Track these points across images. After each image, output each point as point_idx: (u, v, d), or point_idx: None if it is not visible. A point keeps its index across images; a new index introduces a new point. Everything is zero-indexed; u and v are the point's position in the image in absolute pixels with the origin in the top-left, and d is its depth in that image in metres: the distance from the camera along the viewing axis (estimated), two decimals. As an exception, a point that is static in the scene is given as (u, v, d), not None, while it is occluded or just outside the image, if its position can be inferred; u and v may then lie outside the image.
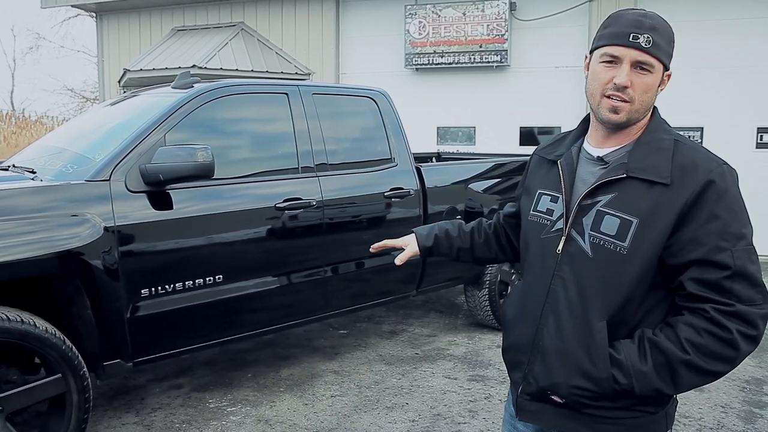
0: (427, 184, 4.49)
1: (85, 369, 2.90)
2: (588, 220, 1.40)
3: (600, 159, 1.46)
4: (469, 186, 4.85)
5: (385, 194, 4.21)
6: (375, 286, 4.29)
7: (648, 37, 1.35)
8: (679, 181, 1.33)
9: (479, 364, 4.49)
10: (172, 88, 3.69)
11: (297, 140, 3.80)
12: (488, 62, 9.17)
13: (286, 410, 3.69)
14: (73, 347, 2.86)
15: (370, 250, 1.91)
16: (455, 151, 8.44)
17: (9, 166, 3.61)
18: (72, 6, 12.02)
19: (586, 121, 1.55)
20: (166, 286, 3.14)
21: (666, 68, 1.40)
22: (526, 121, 9.31)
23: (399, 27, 9.63)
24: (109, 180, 3.03)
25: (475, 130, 9.72)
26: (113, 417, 3.62)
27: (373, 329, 5.29)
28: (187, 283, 3.21)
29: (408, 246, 1.85)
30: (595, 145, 1.48)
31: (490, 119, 9.50)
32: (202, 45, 10.11)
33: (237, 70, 9.36)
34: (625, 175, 1.37)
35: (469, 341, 5.01)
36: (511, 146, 9.25)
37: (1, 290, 2.82)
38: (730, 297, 1.31)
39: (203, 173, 3.06)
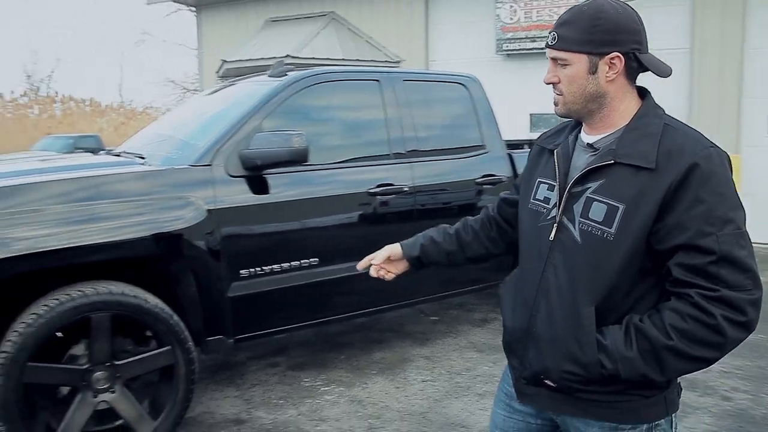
0: (519, 171, 4.42)
1: (191, 343, 3.07)
2: (578, 207, 1.41)
3: (590, 146, 1.47)
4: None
5: (477, 181, 4.19)
6: (466, 273, 4.29)
7: (554, 34, 1.43)
8: (664, 166, 1.32)
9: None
10: (268, 76, 3.82)
11: (388, 126, 3.85)
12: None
13: (378, 392, 3.77)
14: (180, 322, 3.04)
15: (357, 268, 1.90)
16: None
17: (120, 153, 3.85)
18: (174, 1, 12.59)
19: None
20: (265, 267, 3.27)
21: (596, 54, 1.38)
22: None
23: (489, 12, 9.50)
24: (210, 165, 3.18)
25: (569, 116, 9.46)
26: (216, 390, 3.82)
27: (464, 317, 5.29)
28: (283, 264, 3.33)
29: (394, 259, 1.85)
30: (588, 133, 1.49)
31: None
32: (294, 35, 10.36)
33: (328, 58, 9.54)
34: (612, 161, 1.37)
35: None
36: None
37: (116, 268, 3.03)
38: (716, 282, 1.28)
39: (298, 158, 3.16)
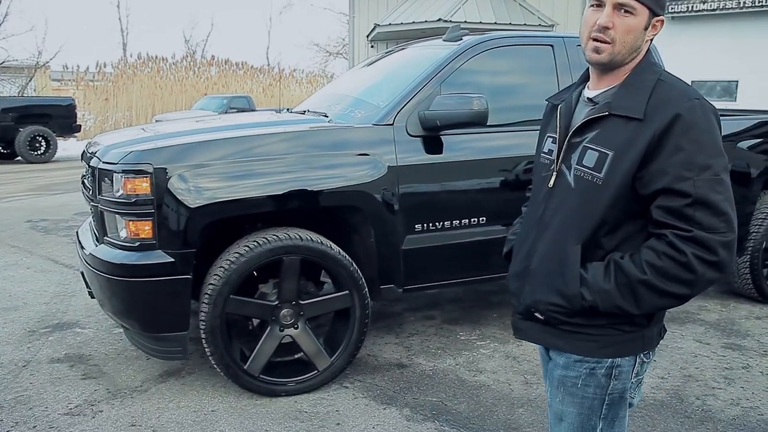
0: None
1: (367, 289, 3.33)
2: (575, 156, 1.53)
3: (590, 100, 1.57)
4: (737, 145, 4.51)
5: (645, 148, 4.10)
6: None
7: None
8: (651, 116, 1.42)
9: (735, 332, 4.25)
10: (444, 41, 3.93)
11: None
12: (762, 6, 8.19)
13: (532, 351, 3.86)
14: (358, 269, 3.29)
15: None
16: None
17: (305, 111, 4.15)
18: (328, -34, 12.97)
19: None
20: (437, 223, 3.45)
21: (654, 13, 1.48)
22: (804, 74, 8.22)
23: (655, -28, 8.98)
24: (392, 125, 3.37)
25: (737, 85, 8.82)
26: (377, 336, 4.09)
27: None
28: (454, 221, 3.49)
29: None
30: (591, 89, 1.59)
31: (758, 72, 8.53)
32: (447, -1, 10.37)
33: (481, 23, 9.51)
34: (607, 113, 1.48)
35: (722, 308, 4.74)
36: (782, 103, 8.26)
37: (302, 217, 3.32)
38: (690, 223, 1.39)
39: (478, 120, 3.27)
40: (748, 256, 4.69)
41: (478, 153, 3.55)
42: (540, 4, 10.03)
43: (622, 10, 1.46)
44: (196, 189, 2.98)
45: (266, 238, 3.11)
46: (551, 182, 1.58)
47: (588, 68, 1.66)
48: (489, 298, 4.84)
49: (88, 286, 3.53)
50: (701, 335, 4.20)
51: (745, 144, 4.59)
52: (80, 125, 17.17)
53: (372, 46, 11.72)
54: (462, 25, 9.27)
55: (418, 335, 4.14)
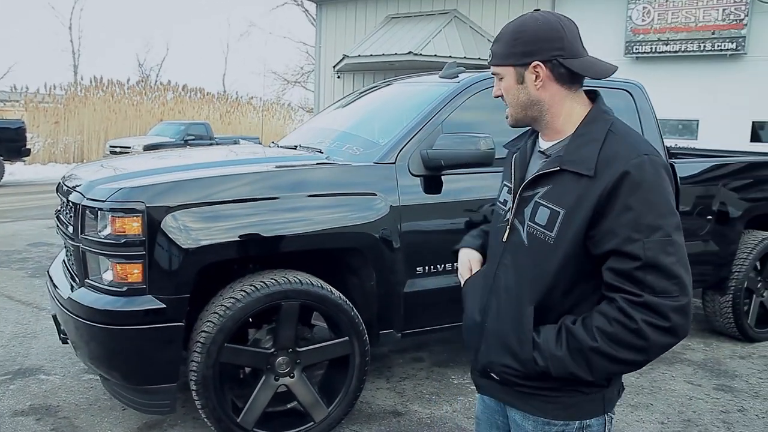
0: (681, 182, 4.28)
1: (367, 335, 3.17)
2: (528, 211, 1.48)
3: (543, 153, 1.53)
4: (721, 185, 4.56)
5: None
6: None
7: (490, 53, 1.54)
8: (600, 173, 1.37)
9: (723, 373, 4.25)
10: (440, 77, 3.86)
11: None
12: (721, 50, 8.50)
13: (530, 396, 3.76)
14: (358, 314, 3.13)
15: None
16: (674, 145, 7.96)
17: (296, 146, 3.99)
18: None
19: None
20: (438, 266, 3.33)
21: (520, 65, 1.46)
22: (760, 116, 8.51)
23: (620, 13, 9.24)
24: (394, 163, 3.26)
25: (698, 124, 9.08)
26: (367, 381, 3.91)
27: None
28: (455, 264, 3.36)
29: (475, 263, 1.76)
30: (543, 140, 1.56)
31: (716, 112, 8.82)
32: (416, 32, 10.42)
33: (450, 57, 9.55)
34: (558, 168, 1.42)
35: (706, 348, 4.75)
36: (739, 142, 8.53)
37: (299, 258, 3.16)
38: (640, 287, 1.33)
39: (484, 161, 3.17)
40: (731, 296, 4.72)
41: (480, 193, 3.45)
42: (507, 40, 10.18)
43: (497, 78, 1.53)
44: (193, 229, 2.79)
45: (264, 283, 2.93)
46: (505, 236, 1.54)
47: None
48: (477, 339, 4.73)
49: (60, 332, 3.27)
50: (691, 376, 4.17)
51: (727, 184, 4.64)
52: (30, 149, 16.52)
53: (338, 77, 11.68)
54: (432, 59, 9.31)
55: (410, 379, 3.98)
